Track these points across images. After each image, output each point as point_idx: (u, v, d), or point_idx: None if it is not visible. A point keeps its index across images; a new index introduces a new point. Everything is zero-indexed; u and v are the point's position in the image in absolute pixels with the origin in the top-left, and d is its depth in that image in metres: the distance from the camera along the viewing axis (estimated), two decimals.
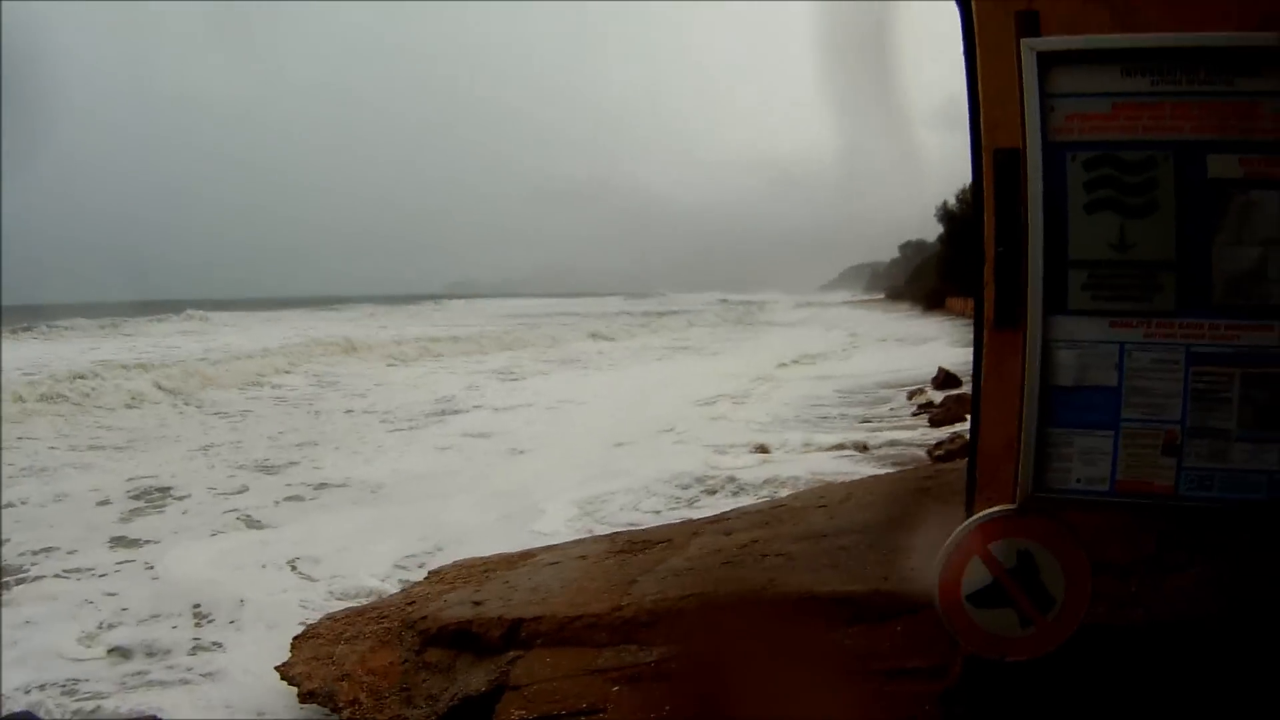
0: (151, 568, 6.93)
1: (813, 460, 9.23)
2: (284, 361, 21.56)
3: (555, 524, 7.32)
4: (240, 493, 9.48)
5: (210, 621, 5.78)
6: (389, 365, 23.70)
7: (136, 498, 9.34)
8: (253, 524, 8.17)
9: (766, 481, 8.43)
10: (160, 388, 17.11)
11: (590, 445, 10.98)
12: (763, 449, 9.95)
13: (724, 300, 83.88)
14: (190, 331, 36.18)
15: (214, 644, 5.48)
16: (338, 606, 5.72)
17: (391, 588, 6.02)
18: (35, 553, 7.19)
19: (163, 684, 5.03)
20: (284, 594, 6.18)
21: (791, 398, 14.69)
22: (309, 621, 5.29)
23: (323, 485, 9.63)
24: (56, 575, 6.79)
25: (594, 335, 34.63)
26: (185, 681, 5.06)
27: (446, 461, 10.90)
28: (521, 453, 11.03)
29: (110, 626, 5.75)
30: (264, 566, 6.74)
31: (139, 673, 5.16)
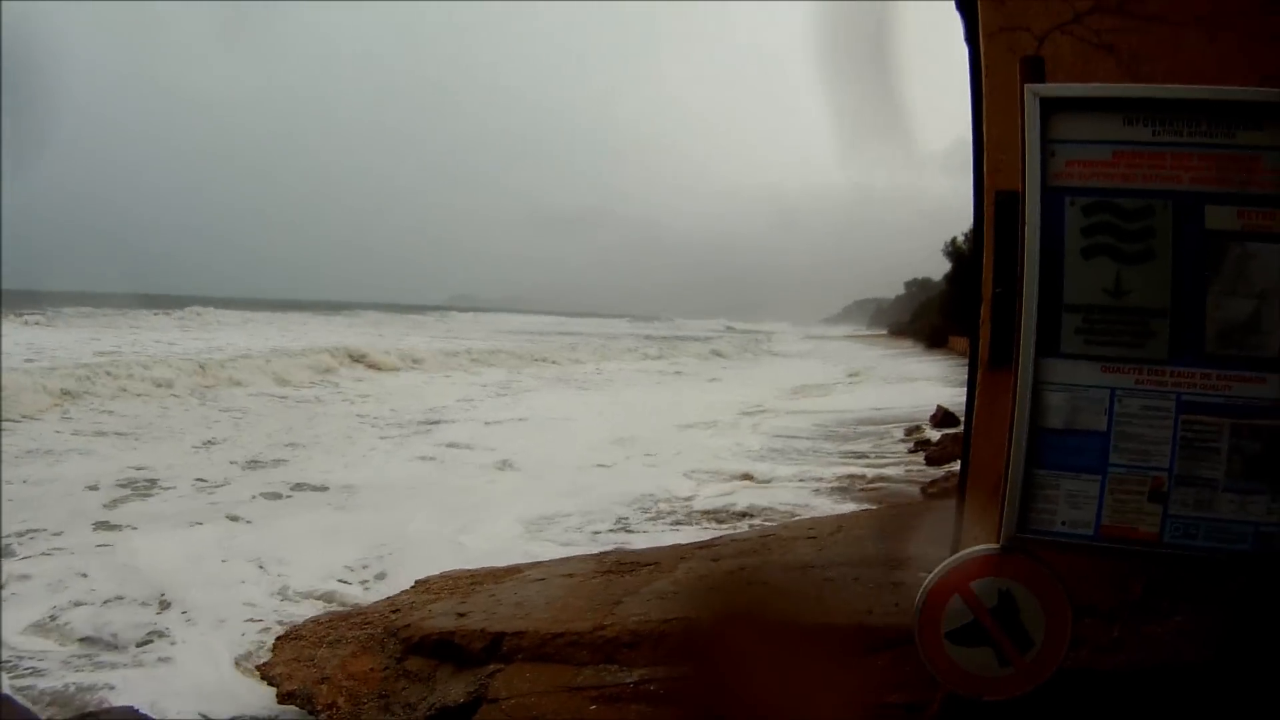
0: (109, 547, 7.13)
1: (778, 492, 9.23)
2: (293, 364, 21.48)
3: (495, 541, 7.29)
4: (223, 485, 9.62)
5: (166, 608, 5.81)
6: (390, 373, 23.67)
7: (124, 485, 9.48)
8: (231, 518, 8.23)
9: (716, 511, 8.45)
10: (159, 384, 17.07)
11: (566, 463, 11.00)
12: (747, 476, 9.93)
13: (730, 328, 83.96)
14: (190, 327, 36.34)
15: (160, 632, 5.47)
16: (276, 603, 5.90)
17: (330, 589, 6.14)
18: (21, 535, 7.28)
19: (109, 666, 5.04)
20: (240, 586, 6.21)
21: (782, 427, 14.65)
22: (254, 614, 5.55)
23: (300, 485, 9.72)
24: (42, 554, 6.91)
25: (605, 357, 34.33)
26: (128, 665, 5.08)
27: (422, 471, 10.96)
28: (497, 467, 11.05)
29: (67, 608, 5.79)
30: (224, 561, 6.79)
31: (85, 655, 5.18)
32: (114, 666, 5.01)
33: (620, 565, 5.00)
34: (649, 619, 3.87)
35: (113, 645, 5.28)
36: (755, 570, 4.54)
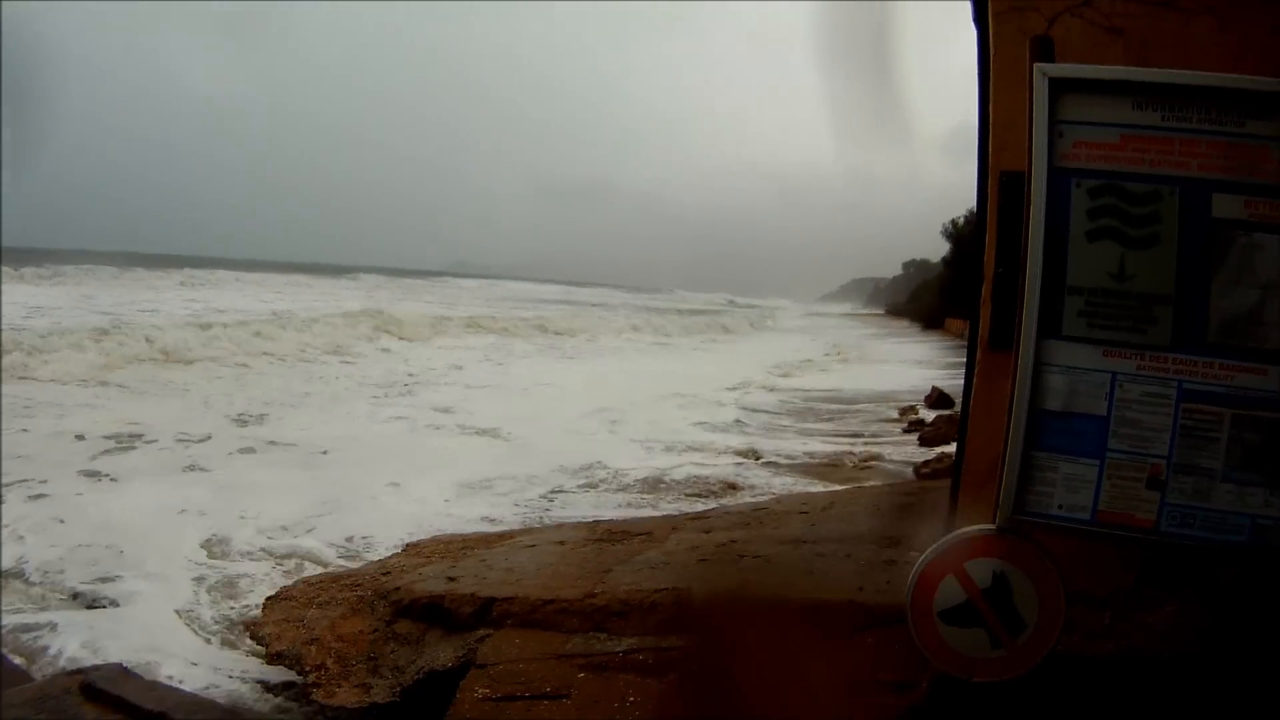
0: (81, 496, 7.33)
1: (722, 468, 9.34)
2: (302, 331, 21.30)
3: (418, 505, 7.42)
4: (202, 441, 9.79)
5: (118, 557, 5.95)
6: (388, 336, 23.63)
7: (110, 438, 9.69)
8: (198, 470, 8.49)
9: (654, 479, 8.61)
10: (162, 351, 16.98)
11: (530, 429, 11.10)
12: (753, 454, 9.96)
13: (732, 303, 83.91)
14: (192, 287, 36.21)
15: (107, 578, 5.57)
16: (202, 555, 6.04)
17: (264, 544, 6.28)
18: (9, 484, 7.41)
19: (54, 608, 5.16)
20: (182, 536, 6.37)
21: (758, 403, 14.74)
22: (192, 563, 5.75)
23: (273, 443, 9.91)
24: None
25: (601, 327, 34.05)
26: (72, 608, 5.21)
27: (392, 431, 11.17)
28: (463, 430, 11.20)
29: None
30: (182, 511, 6.94)
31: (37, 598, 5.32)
32: (59, 608, 5.14)
33: (612, 534, 5.02)
34: (640, 588, 3.88)
35: (59, 589, 5.38)
36: (747, 543, 4.55)
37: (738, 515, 5.49)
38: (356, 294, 39.60)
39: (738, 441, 10.73)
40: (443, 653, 3.81)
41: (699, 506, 7.17)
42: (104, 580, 5.50)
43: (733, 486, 8.13)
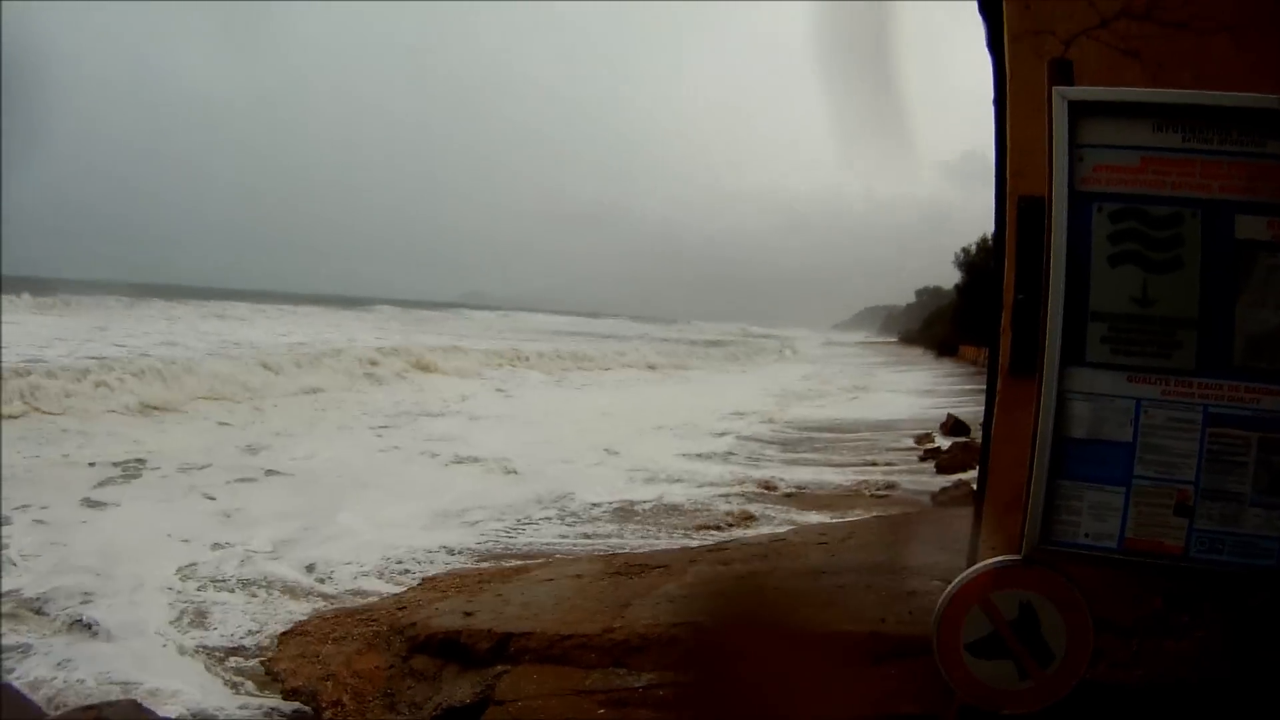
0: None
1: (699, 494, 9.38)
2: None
3: (384, 531, 7.47)
4: (203, 469, 9.97)
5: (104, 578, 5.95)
6: (408, 369, 23.57)
7: (117, 465, 9.90)
8: (207, 498, 8.58)
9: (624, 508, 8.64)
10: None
11: (521, 461, 11.08)
12: (769, 485, 9.89)
13: (746, 331, 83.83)
14: (221, 318, 36.45)
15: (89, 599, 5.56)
16: (177, 582, 6.02)
17: (232, 571, 6.29)
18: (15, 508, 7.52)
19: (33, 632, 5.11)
20: (162, 561, 6.42)
21: (754, 432, 14.75)
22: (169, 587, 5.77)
23: (272, 472, 10.08)
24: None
25: (615, 360, 33.76)
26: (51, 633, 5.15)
27: (386, 460, 11.32)
28: (459, 461, 11.24)
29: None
30: (168, 536, 7.03)
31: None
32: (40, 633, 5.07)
33: (629, 567, 4.99)
34: (658, 622, 3.85)
35: (42, 612, 5.34)
36: (766, 575, 4.52)
37: (757, 547, 5.46)
38: (369, 326, 39.70)
39: (755, 472, 10.70)
40: (460, 689, 3.78)
41: (714, 538, 7.12)
42: (84, 602, 5.48)
43: (749, 517, 8.07)
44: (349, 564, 6.40)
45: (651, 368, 33.17)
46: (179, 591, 5.84)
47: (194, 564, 6.38)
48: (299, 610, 5.41)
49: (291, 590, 5.86)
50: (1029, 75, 2.75)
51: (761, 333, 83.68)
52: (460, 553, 6.79)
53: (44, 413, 13.06)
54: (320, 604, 5.56)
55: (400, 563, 6.47)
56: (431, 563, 6.46)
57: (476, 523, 7.90)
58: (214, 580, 6.09)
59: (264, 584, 5.99)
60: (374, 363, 21.94)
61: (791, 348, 57.36)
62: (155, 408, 14.34)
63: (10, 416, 12.33)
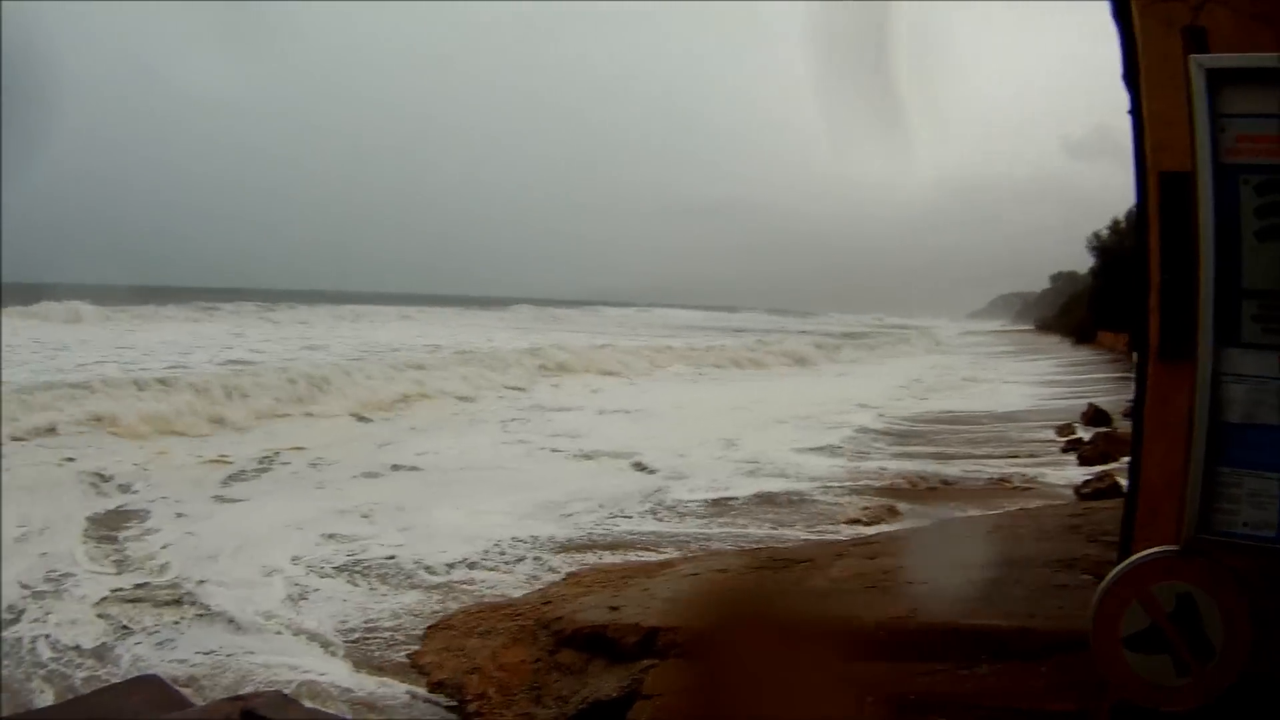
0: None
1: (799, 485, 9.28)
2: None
3: (468, 525, 7.62)
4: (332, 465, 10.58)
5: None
6: (552, 368, 23.73)
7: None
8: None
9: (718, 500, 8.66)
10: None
11: (641, 454, 11.19)
12: (911, 480, 9.73)
13: (881, 322, 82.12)
14: (349, 321, 38.14)
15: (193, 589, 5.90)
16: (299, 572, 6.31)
17: (345, 563, 6.53)
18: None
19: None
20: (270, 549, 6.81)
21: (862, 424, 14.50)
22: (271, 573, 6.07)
23: (396, 466, 10.51)
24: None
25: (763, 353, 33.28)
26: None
27: (505, 457, 11.54)
28: (578, 456, 11.48)
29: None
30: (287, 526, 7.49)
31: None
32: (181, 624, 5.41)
33: (774, 561, 4.97)
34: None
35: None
36: (914, 569, 4.43)
37: (903, 541, 5.36)
38: (507, 327, 40.66)
39: (896, 466, 10.58)
40: (607, 683, 3.84)
41: (859, 532, 7.03)
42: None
43: (893, 511, 7.94)
44: (425, 554, 6.62)
45: (801, 362, 32.76)
46: (296, 581, 6.14)
47: (316, 554, 6.72)
48: (415, 602, 5.61)
49: (410, 579, 6.12)
50: (1161, 45, 2.62)
51: (897, 323, 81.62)
52: (571, 546, 6.89)
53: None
54: (445, 596, 5.71)
55: (503, 553, 6.67)
56: (549, 553, 6.61)
57: (573, 514, 8.03)
58: (332, 568, 6.41)
59: (372, 574, 6.26)
60: (512, 363, 22.43)
61: (932, 337, 55.94)
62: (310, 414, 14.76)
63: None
